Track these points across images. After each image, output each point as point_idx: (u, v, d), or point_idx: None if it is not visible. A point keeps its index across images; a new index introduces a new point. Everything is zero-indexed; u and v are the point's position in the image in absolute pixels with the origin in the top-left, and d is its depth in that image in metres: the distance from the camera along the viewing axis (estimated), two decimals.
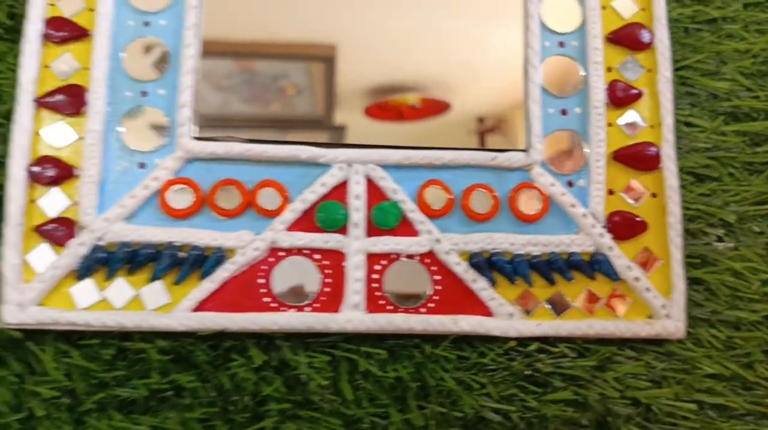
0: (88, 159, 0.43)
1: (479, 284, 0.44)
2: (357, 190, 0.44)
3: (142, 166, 0.44)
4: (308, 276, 0.44)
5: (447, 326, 0.43)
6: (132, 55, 0.45)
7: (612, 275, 0.45)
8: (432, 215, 0.45)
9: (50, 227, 0.43)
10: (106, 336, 0.43)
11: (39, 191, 0.43)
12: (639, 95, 0.47)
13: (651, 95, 0.48)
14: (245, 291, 0.43)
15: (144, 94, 0.45)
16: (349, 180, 0.45)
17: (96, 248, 0.43)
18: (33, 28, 0.45)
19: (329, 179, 0.45)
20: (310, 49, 0.46)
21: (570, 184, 0.46)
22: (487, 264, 0.44)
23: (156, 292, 0.43)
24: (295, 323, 0.43)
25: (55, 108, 0.44)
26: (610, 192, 0.46)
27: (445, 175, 0.45)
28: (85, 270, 0.42)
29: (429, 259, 0.44)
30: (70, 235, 0.43)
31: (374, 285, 0.44)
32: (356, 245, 0.44)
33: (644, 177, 0.47)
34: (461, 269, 0.44)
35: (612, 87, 0.47)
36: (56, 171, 0.43)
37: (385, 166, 0.45)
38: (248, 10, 0.46)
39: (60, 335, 0.43)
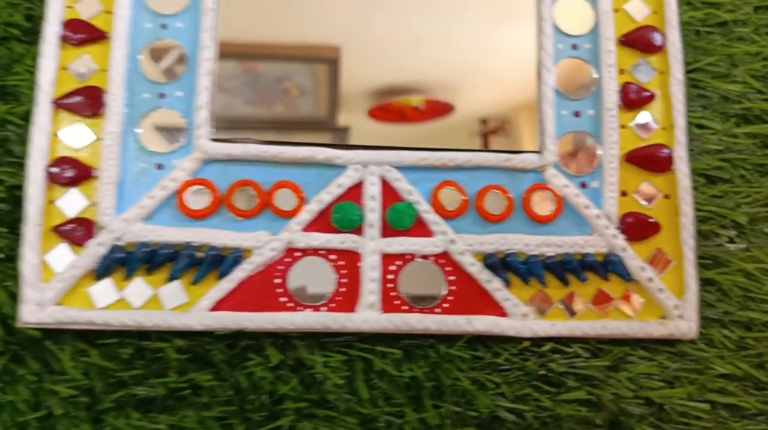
0: (106, 160, 0.44)
1: (494, 285, 0.44)
2: (372, 192, 0.45)
3: (159, 167, 0.44)
4: (324, 276, 0.44)
5: (462, 326, 0.44)
6: (149, 57, 0.46)
7: (625, 275, 0.45)
8: (446, 215, 0.45)
9: (69, 227, 0.43)
10: (124, 335, 0.43)
11: (58, 192, 0.44)
12: (651, 97, 0.48)
13: (663, 97, 0.48)
14: (262, 291, 0.43)
15: (161, 95, 0.45)
16: (365, 181, 0.45)
17: (115, 248, 0.43)
18: (51, 30, 0.45)
19: (345, 180, 0.45)
20: (314, 50, 0.46)
21: (583, 185, 0.46)
22: (501, 265, 0.45)
23: (174, 291, 0.43)
24: (312, 322, 0.43)
25: (73, 109, 0.45)
26: (623, 193, 0.46)
27: (459, 176, 0.46)
28: (103, 270, 0.43)
29: (443, 259, 0.45)
30: (89, 235, 0.43)
31: (389, 285, 0.44)
32: (371, 246, 0.44)
33: (657, 179, 0.47)
34: (476, 269, 0.44)
35: (625, 89, 0.47)
36: (75, 172, 0.44)
37: (400, 168, 0.45)
38: (252, 12, 0.46)
39: (78, 335, 0.43)
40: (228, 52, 0.46)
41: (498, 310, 0.44)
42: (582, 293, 0.45)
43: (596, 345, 0.45)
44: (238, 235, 0.44)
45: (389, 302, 0.44)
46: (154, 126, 0.45)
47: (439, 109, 0.46)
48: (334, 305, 0.44)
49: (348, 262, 0.44)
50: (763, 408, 0.45)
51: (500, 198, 0.45)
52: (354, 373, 0.44)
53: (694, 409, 0.45)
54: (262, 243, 0.44)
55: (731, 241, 0.48)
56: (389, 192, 0.45)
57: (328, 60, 0.46)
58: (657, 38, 0.49)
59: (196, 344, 0.43)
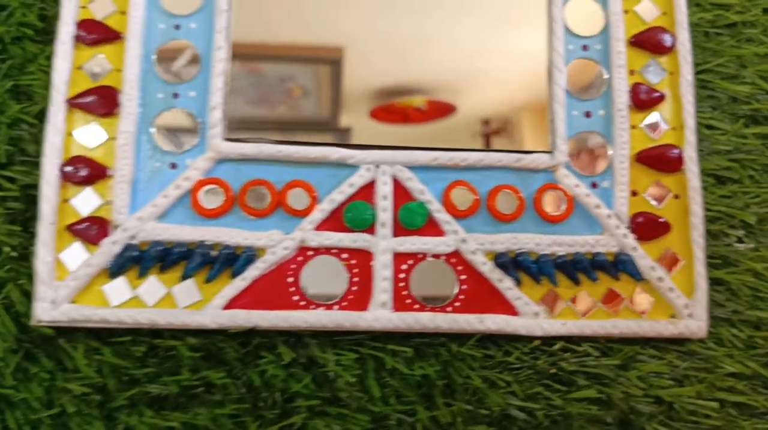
0: (120, 159, 0.44)
1: (505, 284, 0.45)
2: (384, 191, 0.45)
3: (173, 166, 0.45)
4: (336, 275, 0.44)
5: (473, 325, 0.44)
6: (163, 57, 0.46)
7: (636, 275, 0.45)
8: (458, 215, 0.45)
9: (83, 226, 0.43)
10: (137, 333, 0.43)
11: (72, 191, 0.44)
12: (661, 98, 0.48)
13: (673, 98, 0.48)
14: (275, 289, 0.44)
15: (175, 95, 0.46)
16: (377, 181, 0.45)
17: (129, 247, 0.43)
18: (65, 30, 0.46)
19: (357, 180, 0.45)
20: (317, 51, 0.47)
21: (594, 185, 0.47)
22: (512, 264, 0.45)
23: (187, 290, 0.43)
24: (324, 320, 0.43)
25: (87, 109, 0.45)
26: (634, 193, 0.47)
27: (470, 176, 0.46)
28: (117, 268, 0.43)
29: (455, 259, 0.45)
30: (103, 234, 0.43)
31: (401, 284, 0.44)
32: (383, 245, 0.45)
33: (667, 179, 0.47)
34: (487, 268, 0.45)
35: (635, 90, 0.48)
36: (89, 171, 0.44)
37: (412, 167, 0.46)
38: (255, 13, 0.47)
39: (91, 333, 0.43)
40: (232, 52, 0.46)
41: (509, 309, 0.45)
42: (593, 293, 0.45)
43: (606, 344, 0.45)
44: (251, 234, 0.44)
45: (401, 301, 0.44)
46: (167, 126, 0.45)
47: (441, 109, 0.47)
48: (346, 303, 0.44)
49: (360, 261, 0.45)
50: None
51: (511, 198, 0.46)
52: (366, 371, 0.44)
53: (703, 407, 0.45)
54: (275, 242, 0.44)
55: (740, 241, 0.48)
56: (401, 191, 0.45)
57: (330, 61, 0.46)
58: (667, 39, 0.49)
59: (209, 342, 0.43)
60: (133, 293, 0.43)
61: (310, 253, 0.44)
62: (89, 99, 0.45)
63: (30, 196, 0.45)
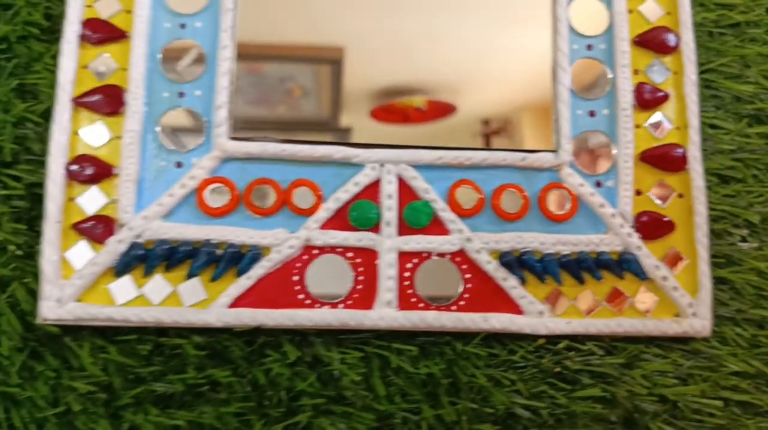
0: (126, 158, 0.44)
1: (510, 283, 0.45)
2: (389, 190, 0.45)
3: (178, 165, 0.45)
4: (341, 274, 0.44)
5: (478, 324, 0.44)
6: (168, 56, 0.46)
7: (640, 274, 0.46)
8: (463, 214, 0.45)
9: (88, 224, 0.44)
10: (142, 332, 0.43)
11: (77, 190, 0.44)
12: (665, 97, 0.48)
13: (677, 97, 0.48)
14: (280, 288, 0.44)
15: (181, 95, 0.46)
16: (382, 180, 0.45)
17: (134, 246, 0.43)
18: (71, 29, 0.46)
19: (362, 179, 0.45)
20: (317, 51, 0.47)
21: (598, 184, 0.47)
22: (517, 263, 0.45)
23: (193, 288, 0.43)
24: (330, 319, 0.43)
25: (92, 108, 0.45)
26: (638, 192, 0.47)
27: (475, 175, 0.46)
28: (123, 267, 0.43)
29: (460, 257, 0.45)
30: (109, 232, 0.43)
31: (406, 283, 0.44)
32: (388, 244, 0.45)
33: (671, 178, 0.47)
34: (492, 267, 0.45)
35: (639, 89, 0.48)
36: (94, 170, 0.44)
37: (417, 166, 0.46)
38: (256, 13, 0.47)
39: (96, 331, 0.43)
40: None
41: (514, 307, 0.45)
42: (597, 292, 0.45)
43: (611, 343, 0.46)
44: (257, 232, 0.44)
45: (406, 300, 0.44)
46: (173, 125, 0.45)
47: (441, 109, 0.47)
48: (351, 302, 0.44)
49: (365, 259, 0.45)
50: None
51: (516, 197, 0.46)
52: (371, 370, 0.44)
53: (707, 406, 0.45)
54: (280, 241, 0.44)
55: (744, 240, 0.49)
56: (406, 190, 0.46)
57: (331, 61, 0.46)
58: (671, 39, 0.49)
59: (215, 340, 0.43)
60: (139, 292, 0.43)
61: (315, 251, 0.45)
62: (95, 98, 0.45)
63: (35, 195, 0.45)
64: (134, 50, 0.46)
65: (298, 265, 0.44)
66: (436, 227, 0.45)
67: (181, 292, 0.43)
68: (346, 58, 0.46)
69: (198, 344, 0.43)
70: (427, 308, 0.44)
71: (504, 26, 0.48)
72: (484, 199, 0.46)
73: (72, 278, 0.43)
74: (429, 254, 0.45)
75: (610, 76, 0.48)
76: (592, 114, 0.48)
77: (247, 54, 0.46)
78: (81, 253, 0.43)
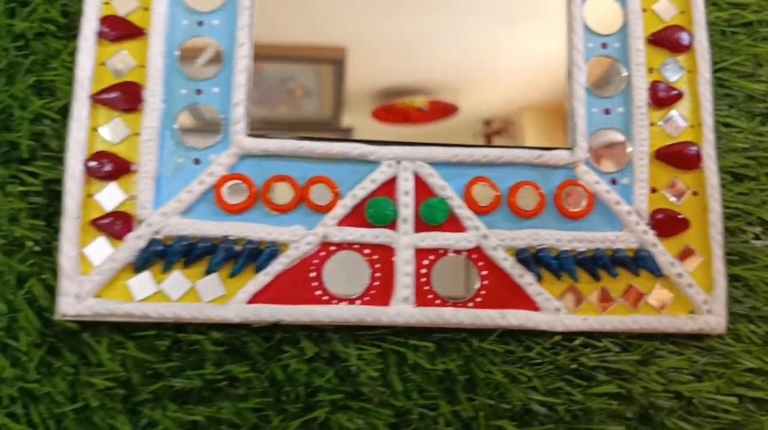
0: (144, 155, 0.44)
1: (526, 279, 0.45)
2: (406, 187, 0.45)
3: (197, 162, 0.45)
4: (358, 270, 0.44)
5: (495, 320, 0.44)
6: (186, 53, 0.46)
7: (655, 271, 0.46)
8: (479, 211, 0.46)
9: (107, 220, 0.44)
10: (160, 328, 0.43)
11: (96, 186, 0.44)
12: (679, 96, 0.48)
13: (691, 96, 0.49)
14: (297, 284, 0.44)
15: (198, 92, 0.46)
16: (398, 177, 0.46)
17: (153, 242, 0.43)
18: (89, 26, 0.46)
19: (379, 176, 0.45)
20: (319, 51, 0.47)
21: (614, 182, 0.47)
22: (533, 260, 0.45)
23: (212, 284, 0.44)
24: (347, 315, 0.43)
25: (110, 104, 0.45)
26: (653, 190, 0.47)
27: (491, 172, 0.46)
28: (142, 263, 0.43)
29: (476, 254, 0.45)
30: (128, 229, 0.44)
31: (423, 280, 0.45)
32: (405, 240, 0.45)
33: (685, 176, 0.48)
34: (508, 264, 0.45)
35: (654, 87, 0.48)
36: (113, 166, 0.44)
37: (433, 164, 0.46)
38: (259, 13, 0.47)
39: (114, 327, 0.44)
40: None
41: (530, 304, 0.45)
42: (613, 288, 0.46)
43: (626, 340, 0.46)
44: (275, 229, 0.44)
45: (423, 296, 0.44)
46: (191, 122, 0.45)
47: (442, 110, 0.47)
48: (368, 298, 0.44)
49: (382, 256, 0.45)
50: None
51: (532, 194, 0.46)
52: (387, 366, 0.44)
53: (722, 403, 0.45)
54: (298, 237, 0.44)
55: (757, 237, 0.49)
56: (422, 187, 0.46)
57: (333, 61, 0.47)
58: (684, 38, 0.49)
59: (233, 336, 0.44)
60: (158, 288, 0.43)
61: (332, 248, 0.45)
62: (112, 95, 0.45)
63: (53, 191, 0.45)
64: (152, 47, 0.46)
65: (316, 261, 0.44)
66: (453, 224, 0.45)
67: (199, 288, 0.43)
68: (348, 58, 0.47)
69: (216, 339, 0.43)
70: (444, 304, 0.44)
71: (505, 26, 0.48)
72: (500, 197, 0.46)
73: (90, 273, 0.43)
74: (445, 251, 0.45)
75: (624, 74, 0.48)
76: (607, 112, 0.48)
77: None
78: (99, 249, 0.43)
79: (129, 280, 0.43)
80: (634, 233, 0.46)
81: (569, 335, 0.45)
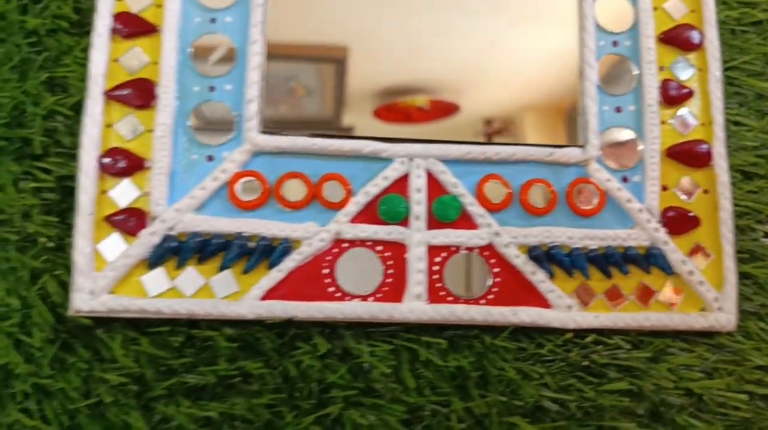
0: (158, 151, 0.44)
1: (538, 277, 0.45)
2: (418, 184, 0.46)
3: (210, 158, 0.45)
4: (371, 267, 0.45)
5: (507, 317, 0.44)
6: (199, 50, 0.46)
7: (667, 268, 0.46)
8: (491, 208, 0.46)
9: (121, 217, 0.44)
10: (174, 324, 0.44)
11: (110, 182, 0.44)
12: (690, 94, 0.49)
13: (702, 94, 0.49)
14: (311, 281, 0.44)
15: (212, 89, 0.46)
16: (411, 174, 0.46)
17: (167, 238, 0.44)
18: (102, 22, 0.46)
19: (391, 173, 0.46)
20: (321, 50, 0.47)
21: (625, 179, 0.47)
22: (545, 257, 0.45)
23: (225, 280, 0.44)
24: (360, 312, 0.44)
25: (123, 101, 0.45)
26: (664, 188, 0.47)
27: (503, 170, 0.46)
28: (156, 259, 0.43)
29: (488, 251, 0.45)
30: (141, 225, 0.44)
31: (435, 277, 0.45)
32: (418, 237, 0.45)
33: (696, 174, 0.48)
34: (520, 261, 0.45)
35: (665, 86, 0.48)
36: (127, 163, 0.44)
37: (446, 161, 0.46)
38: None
39: (128, 323, 0.44)
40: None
41: (542, 301, 0.45)
42: (624, 286, 0.46)
43: (637, 337, 0.46)
44: (288, 225, 0.44)
45: (435, 293, 0.45)
46: (204, 118, 0.45)
47: (444, 109, 0.47)
48: (381, 295, 0.44)
49: (394, 253, 0.45)
50: None
51: (544, 191, 0.46)
52: (400, 362, 0.44)
53: (732, 400, 0.46)
54: (311, 234, 0.44)
55: (767, 235, 0.49)
56: (435, 185, 0.46)
57: (335, 60, 0.47)
58: (695, 36, 0.49)
59: (246, 332, 0.44)
60: (171, 284, 0.43)
61: (345, 245, 0.45)
62: (125, 92, 0.45)
63: (65, 188, 0.45)
64: (165, 44, 0.46)
65: (329, 258, 0.45)
66: (465, 221, 0.46)
67: (213, 284, 0.44)
68: (350, 57, 0.47)
69: (229, 336, 0.44)
70: (456, 301, 0.45)
71: (507, 26, 0.48)
72: (512, 194, 0.46)
73: (105, 270, 0.43)
74: (458, 248, 0.45)
75: (635, 72, 0.48)
76: (618, 110, 0.48)
77: None
78: (113, 245, 0.44)
79: (143, 276, 0.43)
80: (645, 230, 0.46)
81: (581, 332, 0.46)
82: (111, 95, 0.45)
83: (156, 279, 0.43)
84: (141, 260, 0.44)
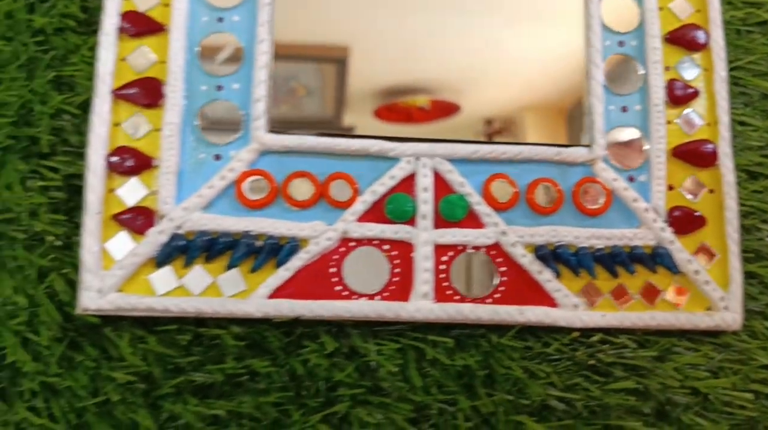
0: (166, 150, 0.44)
1: (544, 276, 0.45)
2: (425, 183, 0.46)
3: (217, 157, 0.45)
4: (378, 266, 0.45)
5: (514, 316, 0.44)
6: (206, 50, 0.46)
7: (673, 268, 0.46)
8: (498, 207, 0.46)
9: (129, 215, 0.44)
10: (181, 322, 0.44)
11: (117, 181, 0.44)
12: (696, 94, 0.49)
13: (707, 94, 0.49)
14: (318, 280, 0.44)
15: (219, 88, 0.46)
16: (417, 173, 0.46)
17: (175, 237, 0.44)
18: (109, 21, 0.46)
19: (398, 172, 0.46)
20: (323, 50, 0.47)
21: (631, 179, 0.47)
22: (552, 256, 0.45)
23: (233, 279, 0.44)
24: (367, 310, 0.44)
25: (131, 100, 0.45)
26: (670, 187, 0.47)
27: (509, 169, 0.47)
28: (164, 257, 0.43)
29: (495, 250, 0.46)
30: (149, 223, 0.44)
31: (442, 276, 0.45)
32: (424, 236, 0.45)
33: (702, 173, 0.48)
34: (527, 260, 0.45)
35: (670, 85, 0.48)
36: (134, 161, 0.44)
37: (452, 160, 0.46)
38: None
39: (135, 322, 0.44)
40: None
41: (549, 301, 0.45)
42: (630, 285, 0.46)
43: (643, 336, 0.46)
44: (295, 224, 0.44)
45: (442, 292, 0.45)
46: (211, 117, 0.45)
47: (444, 109, 0.47)
48: (387, 294, 0.44)
49: (401, 252, 0.45)
50: None
51: (550, 191, 0.46)
52: (407, 361, 0.44)
53: (737, 399, 0.46)
54: (318, 233, 0.44)
55: None
56: (441, 184, 0.46)
57: (336, 60, 0.47)
58: (701, 36, 0.50)
59: (253, 331, 0.44)
60: (179, 283, 0.44)
61: (352, 244, 0.45)
62: (133, 90, 0.45)
63: (73, 186, 0.45)
64: (172, 43, 0.46)
65: (336, 257, 0.45)
66: (472, 220, 0.46)
67: (221, 282, 0.44)
68: (351, 57, 0.47)
69: (237, 334, 0.44)
70: (463, 300, 0.45)
71: (508, 26, 0.49)
72: (518, 193, 0.46)
73: (112, 268, 0.43)
74: (464, 247, 0.45)
75: (641, 72, 0.49)
76: (624, 109, 0.48)
77: None
78: (121, 244, 0.44)
79: (150, 274, 0.44)
80: (651, 230, 0.46)
81: (587, 332, 0.46)
82: (118, 94, 0.45)
83: (164, 277, 0.44)
84: (149, 259, 0.44)
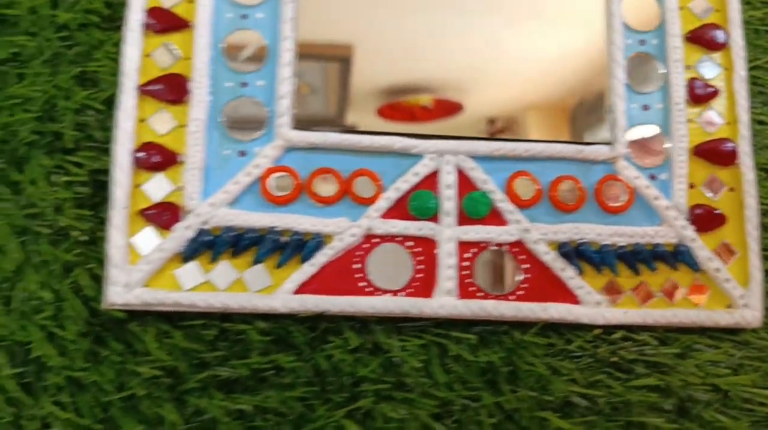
0: (192, 146, 0.45)
1: (567, 273, 0.46)
2: (448, 180, 0.46)
3: (242, 154, 0.45)
4: (401, 263, 0.45)
5: (537, 313, 0.45)
6: (231, 46, 0.46)
7: (694, 265, 0.46)
8: (521, 205, 0.46)
9: (155, 211, 0.44)
10: (207, 317, 0.44)
11: (143, 177, 0.45)
12: (716, 93, 0.49)
13: (727, 93, 0.49)
14: (342, 276, 0.44)
15: (244, 84, 0.46)
16: (441, 170, 0.46)
17: (202, 232, 0.44)
18: (134, 17, 0.46)
19: (421, 169, 0.46)
20: (326, 49, 0.47)
21: (653, 177, 0.48)
22: (575, 253, 0.46)
23: (259, 274, 0.44)
24: (391, 307, 0.44)
25: (156, 96, 0.46)
26: (691, 186, 0.48)
27: (532, 166, 0.47)
28: (190, 253, 0.44)
29: (518, 248, 0.46)
30: (175, 219, 0.44)
31: (465, 272, 0.45)
32: (448, 233, 0.45)
33: (722, 172, 0.48)
34: (550, 258, 0.46)
35: (691, 84, 0.49)
36: (160, 157, 0.45)
37: (475, 157, 0.46)
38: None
39: (161, 316, 0.44)
40: None
41: (571, 298, 0.45)
42: (652, 282, 0.46)
43: (664, 333, 0.46)
44: (319, 221, 0.45)
45: (465, 289, 0.45)
46: (236, 114, 0.46)
47: (447, 108, 0.47)
48: (411, 290, 0.45)
49: (425, 249, 0.45)
50: None
51: (573, 188, 0.46)
52: (430, 357, 0.45)
53: (758, 395, 0.46)
54: (342, 229, 0.45)
55: None
56: (465, 181, 0.46)
57: (340, 59, 0.47)
58: (720, 36, 0.50)
59: (278, 326, 0.44)
60: (206, 278, 0.44)
61: (376, 240, 0.45)
62: (158, 86, 0.46)
63: (97, 182, 0.45)
64: (197, 40, 0.46)
65: (360, 253, 0.45)
66: (495, 217, 0.46)
67: (246, 278, 0.44)
68: (355, 56, 0.47)
69: (262, 329, 0.44)
70: (486, 297, 0.45)
71: (511, 25, 0.49)
72: (541, 191, 0.46)
73: (139, 263, 0.43)
74: (487, 244, 0.46)
75: (662, 71, 0.49)
76: (645, 108, 0.48)
77: None
78: (147, 239, 0.44)
79: (177, 269, 0.44)
80: (673, 228, 0.47)
81: (609, 329, 0.46)
82: (144, 90, 0.45)
83: (190, 273, 0.44)
84: (175, 254, 0.44)
